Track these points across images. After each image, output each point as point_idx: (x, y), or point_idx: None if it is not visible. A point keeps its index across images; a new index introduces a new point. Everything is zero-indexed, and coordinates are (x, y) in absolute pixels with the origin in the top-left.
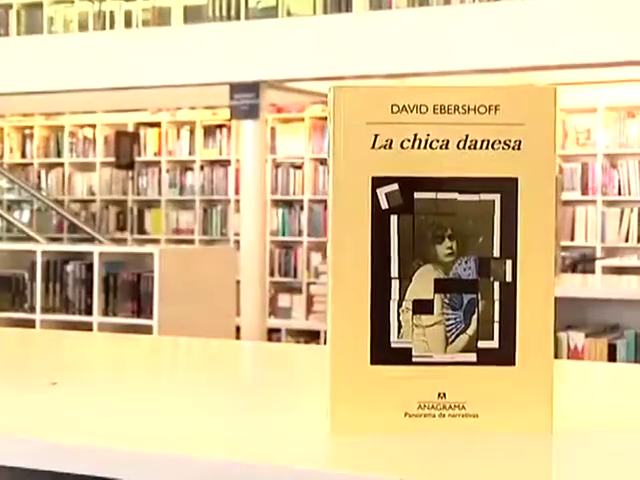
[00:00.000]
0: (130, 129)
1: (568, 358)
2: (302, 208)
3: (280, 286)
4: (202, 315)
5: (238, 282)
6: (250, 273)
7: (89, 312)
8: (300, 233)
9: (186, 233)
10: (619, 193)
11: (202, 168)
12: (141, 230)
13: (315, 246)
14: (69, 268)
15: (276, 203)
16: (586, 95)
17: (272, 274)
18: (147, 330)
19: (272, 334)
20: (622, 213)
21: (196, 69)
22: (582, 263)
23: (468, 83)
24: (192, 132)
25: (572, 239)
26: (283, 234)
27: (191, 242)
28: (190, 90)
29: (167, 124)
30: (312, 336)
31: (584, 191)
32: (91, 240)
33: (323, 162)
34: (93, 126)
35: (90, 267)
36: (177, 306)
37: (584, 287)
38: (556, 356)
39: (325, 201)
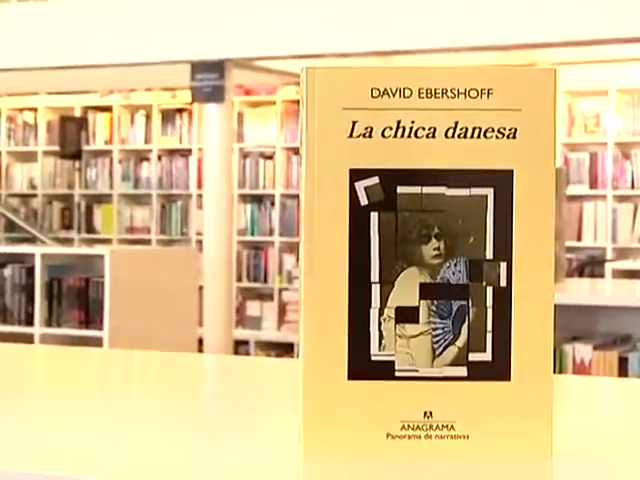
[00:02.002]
0: (77, 114)
1: (574, 373)
2: (273, 204)
3: (248, 292)
4: (159, 326)
5: (201, 288)
6: (214, 278)
7: (30, 322)
8: (271, 232)
9: (141, 232)
10: (632, 187)
11: (159, 158)
12: (90, 229)
13: (288, 247)
14: (7, 272)
15: (244, 198)
16: (595, 76)
17: (239, 279)
18: (97, 343)
19: (239, 347)
20: (635, 209)
21: (152, 45)
22: (590, 266)
23: (463, 62)
24: (148, 117)
25: (579, 239)
26: (252, 233)
27: (147, 242)
28: (146, 69)
29: (119, 108)
30: (284, 349)
31: (593, 185)
32: (32, 240)
33: (297, 152)
34: (34, 110)
35: (31, 271)
36: (131, 316)
37: (592, 293)
38: (561, 371)
39: (299, 196)
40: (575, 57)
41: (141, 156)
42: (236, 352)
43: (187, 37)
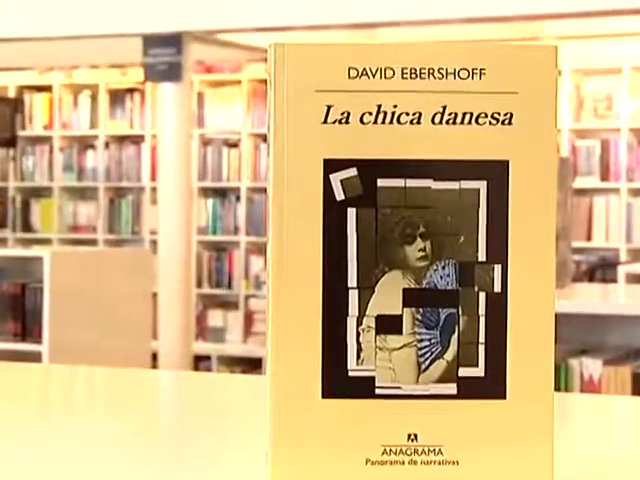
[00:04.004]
0: (11, 94)
1: (581, 391)
2: (239, 198)
3: (210, 300)
4: (107, 338)
5: (155, 295)
6: (171, 283)
7: None
8: (236, 231)
9: (86, 231)
10: None
11: (107, 146)
12: (26, 227)
13: (256, 248)
14: None
15: (205, 192)
16: (607, 52)
17: (199, 284)
18: (35, 357)
19: (200, 362)
20: None
21: (99, 16)
22: (601, 269)
23: (456, 36)
24: (94, 98)
25: (589, 239)
26: (214, 232)
27: (93, 243)
28: (91, 43)
29: (60, 88)
30: (251, 364)
31: (604, 176)
32: None
33: (266, 139)
34: None
35: None
36: (74, 327)
37: (603, 301)
38: (566, 388)
39: (267, 190)
40: (584, 30)
41: (86, 143)
42: (196, 368)
43: (139, 6)
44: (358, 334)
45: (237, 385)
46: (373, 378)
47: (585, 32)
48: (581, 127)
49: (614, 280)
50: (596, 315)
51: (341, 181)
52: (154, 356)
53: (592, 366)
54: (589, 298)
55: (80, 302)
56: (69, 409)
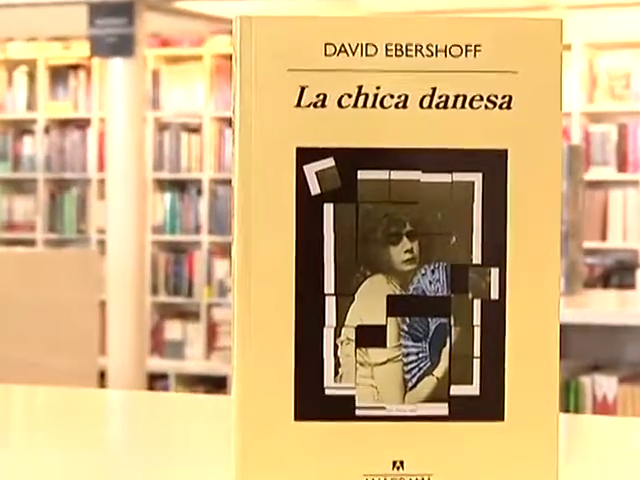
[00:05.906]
0: None
1: (594, 412)
2: (200, 192)
3: (167, 309)
4: (48, 353)
5: (103, 303)
6: (122, 290)
7: None
8: (197, 230)
9: (23, 230)
10: None
11: (47, 131)
12: None
13: (220, 249)
14: None
15: (161, 184)
16: (624, 23)
17: (155, 291)
18: None
19: (155, 381)
20: None
21: None
22: (618, 273)
23: (452, 5)
24: (31, 76)
25: (603, 238)
26: (172, 231)
27: (31, 243)
28: (29, 12)
29: None
30: (214, 383)
31: (621, 167)
32: None
33: (231, 123)
34: None
35: None
36: (10, 340)
37: (620, 309)
38: (577, 409)
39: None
40: None
41: (22, 128)
42: (151, 387)
43: None
44: (336, 347)
45: (198, 406)
46: (353, 397)
47: (599, 1)
48: (595, 110)
49: (632, 286)
50: (611, 326)
51: (316, 173)
52: (102, 374)
53: (606, 384)
54: (603, 307)
55: (16, 311)
56: (4, 435)
